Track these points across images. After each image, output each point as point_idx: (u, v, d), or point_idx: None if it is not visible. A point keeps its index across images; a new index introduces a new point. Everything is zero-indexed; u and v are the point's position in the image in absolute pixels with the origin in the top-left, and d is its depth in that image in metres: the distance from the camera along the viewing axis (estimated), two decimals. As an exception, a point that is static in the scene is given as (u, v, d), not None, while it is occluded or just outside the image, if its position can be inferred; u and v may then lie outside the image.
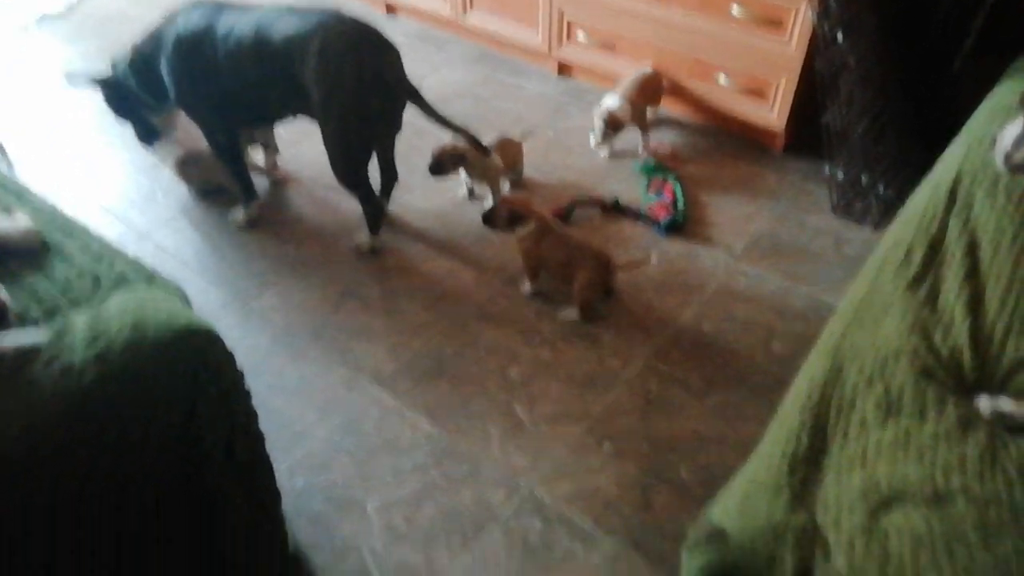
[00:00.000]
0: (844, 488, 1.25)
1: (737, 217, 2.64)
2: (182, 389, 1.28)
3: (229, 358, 1.38)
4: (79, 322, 1.22)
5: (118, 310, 1.25)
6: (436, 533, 1.73)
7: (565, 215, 2.64)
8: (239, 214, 2.71)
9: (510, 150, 2.73)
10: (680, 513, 1.74)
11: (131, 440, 1.23)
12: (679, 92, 3.08)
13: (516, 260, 2.38)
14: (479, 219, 2.37)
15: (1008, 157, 1.67)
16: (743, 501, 1.27)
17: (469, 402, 2.04)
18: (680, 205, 2.65)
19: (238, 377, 1.42)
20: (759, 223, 2.61)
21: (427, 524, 1.75)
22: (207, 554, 1.45)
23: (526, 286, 2.38)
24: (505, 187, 2.79)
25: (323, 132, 2.27)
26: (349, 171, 2.36)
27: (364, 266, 2.52)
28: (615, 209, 2.68)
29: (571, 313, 2.28)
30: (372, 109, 2.21)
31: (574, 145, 3.03)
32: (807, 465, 1.30)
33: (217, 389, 1.37)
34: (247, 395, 1.46)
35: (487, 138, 2.56)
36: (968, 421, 1.30)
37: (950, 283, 1.56)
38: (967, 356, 1.42)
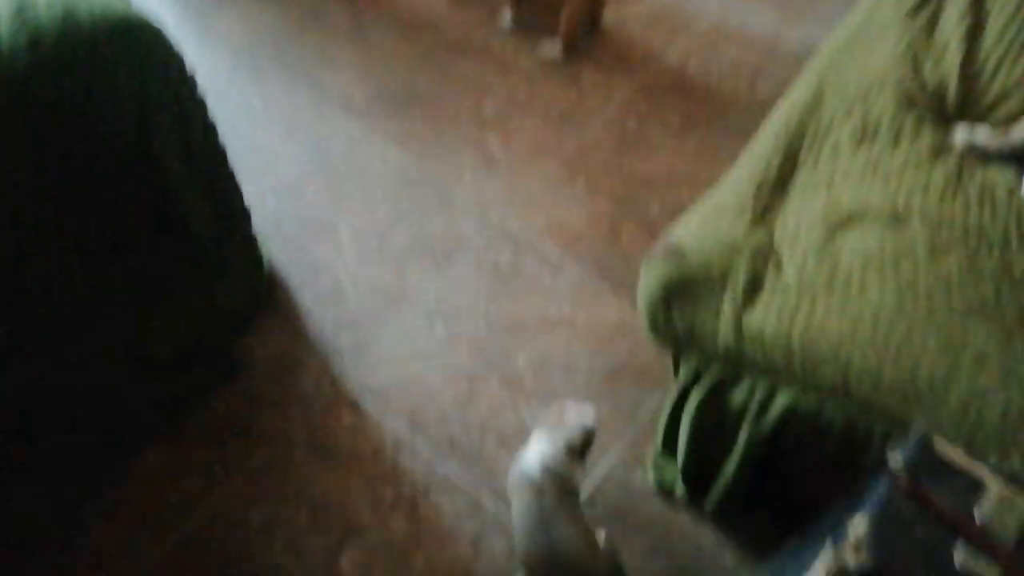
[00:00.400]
0: (806, 210, 1.26)
1: (739, -52, 2.41)
2: (127, 89, 1.20)
3: (177, 58, 1.29)
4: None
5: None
6: (408, 257, 1.78)
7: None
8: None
9: None
10: (646, 246, 1.76)
11: (77, 144, 1.18)
12: None
13: (495, -13, 2.19)
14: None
15: None
16: (705, 221, 1.29)
17: (441, 134, 1.99)
18: (678, -68, 2.40)
19: (190, 81, 1.34)
20: (762, -45, 2.39)
21: (399, 248, 1.79)
22: (182, 279, 1.47)
23: (506, 18, 2.22)
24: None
25: None
26: None
27: (329, -11, 2.32)
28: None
29: (553, 48, 2.15)
30: None
31: None
32: (773, 189, 1.31)
33: (167, 93, 1.29)
34: (202, 103, 1.39)
35: None
36: (941, 149, 1.29)
37: (952, 10, 1.47)
38: (953, 86, 1.37)
